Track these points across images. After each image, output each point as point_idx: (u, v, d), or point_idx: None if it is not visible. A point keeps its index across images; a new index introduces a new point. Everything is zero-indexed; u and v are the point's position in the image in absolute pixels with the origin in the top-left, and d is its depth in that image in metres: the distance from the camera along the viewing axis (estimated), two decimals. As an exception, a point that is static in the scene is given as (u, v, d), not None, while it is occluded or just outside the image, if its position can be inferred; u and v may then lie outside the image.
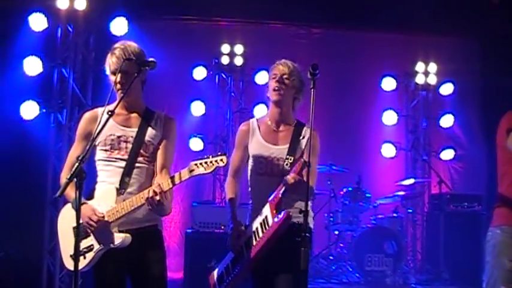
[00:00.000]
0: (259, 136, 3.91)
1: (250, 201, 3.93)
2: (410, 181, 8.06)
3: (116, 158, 3.55)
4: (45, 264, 6.88)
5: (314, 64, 3.47)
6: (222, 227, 6.72)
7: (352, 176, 7.65)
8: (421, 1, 7.94)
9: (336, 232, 7.76)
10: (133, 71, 3.42)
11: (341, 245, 7.64)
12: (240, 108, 8.69)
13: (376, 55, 8.68)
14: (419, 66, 8.77)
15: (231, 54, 8.49)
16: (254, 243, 3.62)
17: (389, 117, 8.57)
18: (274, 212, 3.55)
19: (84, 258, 3.46)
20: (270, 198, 3.61)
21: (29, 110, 6.92)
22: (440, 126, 8.68)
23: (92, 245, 3.47)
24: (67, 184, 2.97)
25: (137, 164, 3.55)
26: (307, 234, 3.28)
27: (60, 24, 7.25)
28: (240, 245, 3.70)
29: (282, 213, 3.50)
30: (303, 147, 3.83)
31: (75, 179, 2.96)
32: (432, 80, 8.80)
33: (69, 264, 3.50)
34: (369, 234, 7.32)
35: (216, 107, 8.59)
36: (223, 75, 8.70)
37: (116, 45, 3.60)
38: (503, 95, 7.08)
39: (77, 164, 2.96)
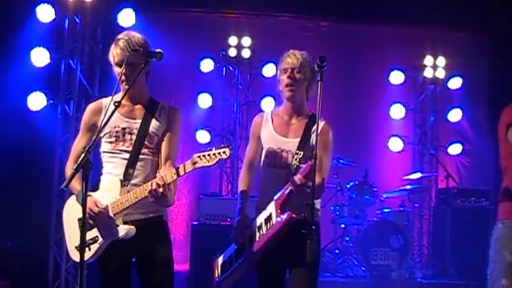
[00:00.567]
0: (271, 127, 3.91)
1: (258, 193, 3.91)
2: (417, 175, 8.02)
3: (120, 150, 3.55)
4: (51, 255, 6.90)
5: (321, 56, 3.45)
6: (228, 220, 6.72)
7: (359, 169, 7.63)
8: (430, -6, 7.90)
9: (342, 226, 7.75)
10: (139, 62, 3.40)
11: (347, 238, 7.62)
12: (247, 101, 8.67)
13: (384, 48, 8.63)
14: (428, 60, 8.70)
15: (239, 47, 8.46)
16: (257, 238, 3.64)
17: (397, 111, 8.53)
18: (279, 211, 3.54)
19: (89, 249, 3.47)
20: (276, 197, 3.58)
21: (36, 101, 6.92)
22: (448, 121, 8.63)
23: (97, 236, 3.48)
24: (73, 175, 2.97)
25: (141, 156, 3.55)
26: (313, 227, 3.24)
27: (68, 15, 7.24)
28: (243, 237, 3.72)
29: (286, 215, 3.48)
30: (314, 142, 3.72)
31: (81, 170, 2.96)
32: (440, 74, 8.73)
33: (75, 255, 3.51)
34: (375, 228, 7.30)
35: (223, 99, 8.58)
36: (231, 68, 8.67)
37: (120, 36, 3.58)
38: (512, 90, 7.04)
39: (83, 154, 2.96)
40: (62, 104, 7.18)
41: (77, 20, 7.31)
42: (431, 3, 7.92)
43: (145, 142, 3.56)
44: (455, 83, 8.57)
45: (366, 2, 8.21)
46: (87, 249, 3.45)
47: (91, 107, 3.70)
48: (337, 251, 7.71)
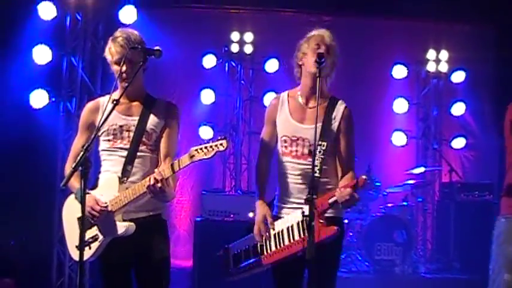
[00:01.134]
0: (287, 111, 3.66)
1: (277, 187, 3.70)
2: (421, 170, 8.00)
3: (118, 148, 3.55)
4: (55, 253, 6.94)
5: (320, 53, 3.44)
6: (232, 216, 6.72)
7: (362, 164, 7.56)
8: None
9: (346, 221, 7.70)
10: (137, 60, 3.40)
11: (350, 233, 7.61)
12: (249, 97, 8.65)
13: (387, 42, 8.60)
14: (431, 54, 8.66)
15: (241, 42, 8.44)
16: (287, 242, 3.46)
17: (400, 105, 8.49)
18: (321, 221, 3.34)
19: (90, 248, 3.48)
20: (319, 206, 3.33)
21: (38, 98, 6.94)
22: (452, 115, 8.59)
23: (97, 235, 3.48)
24: (72, 173, 2.98)
25: (139, 153, 3.54)
26: (312, 223, 3.15)
27: (69, 12, 7.25)
28: (267, 234, 3.54)
29: (335, 229, 3.33)
30: (335, 130, 3.60)
31: (79, 168, 2.96)
32: (443, 67, 8.69)
33: (75, 254, 3.51)
34: (379, 223, 7.29)
35: (225, 95, 8.57)
36: (233, 63, 8.65)
37: (117, 33, 3.56)
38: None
39: (81, 153, 2.96)
40: (64, 101, 7.19)
41: (79, 17, 7.31)
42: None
43: (143, 139, 3.55)
44: (458, 76, 8.53)
45: (368, -5, 8.18)
46: (87, 248, 3.45)
47: (89, 106, 3.71)
48: (340, 246, 7.70)
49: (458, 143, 8.50)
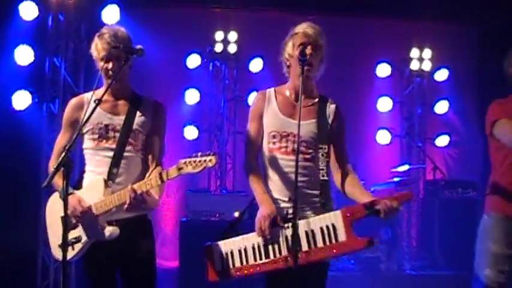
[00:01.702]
0: (275, 106, 3.52)
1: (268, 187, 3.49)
2: (405, 167, 8.05)
3: (104, 148, 3.52)
4: (39, 254, 6.88)
5: (302, 50, 3.39)
6: (217, 215, 6.71)
7: (347, 162, 7.62)
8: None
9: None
10: (122, 58, 3.39)
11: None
12: (234, 96, 8.63)
13: (371, 41, 8.62)
14: (414, 52, 8.72)
15: (225, 42, 8.41)
16: (306, 247, 3.22)
17: (384, 104, 8.54)
18: (350, 229, 3.19)
19: (73, 249, 3.46)
20: (348, 212, 3.22)
21: (21, 100, 6.87)
22: (435, 113, 8.67)
23: (80, 236, 3.45)
24: (54, 174, 2.95)
25: (125, 154, 3.51)
26: (296, 222, 3.07)
27: (51, 12, 7.19)
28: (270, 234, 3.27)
29: (367, 240, 3.19)
30: (331, 130, 3.50)
31: (62, 168, 2.94)
32: (427, 66, 8.75)
33: (58, 254, 3.50)
34: (363, 220, 7.29)
35: (210, 95, 8.55)
36: (217, 63, 8.63)
37: (104, 30, 3.53)
38: (500, 81, 7.04)
39: (63, 153, 2.94)
40: (47, 102, 7.15)
41: (61, 17, 7.26)
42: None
43: (130, 139, 3.52)
44: (441, 75, 8.59)
45: (352, -6, 8.21)
46: (70, 248, 3.43)
47: (72, 102, 3.67)
48: (326, 245, 7.71)
49: (442, 141, 8.57)
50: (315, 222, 3.25)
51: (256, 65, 8.17)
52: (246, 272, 3.33)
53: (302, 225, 3.23)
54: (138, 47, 3.38)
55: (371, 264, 7.17)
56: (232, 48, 8.41)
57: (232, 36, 8.39)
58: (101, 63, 3.48)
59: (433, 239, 7.78)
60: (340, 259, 7.33)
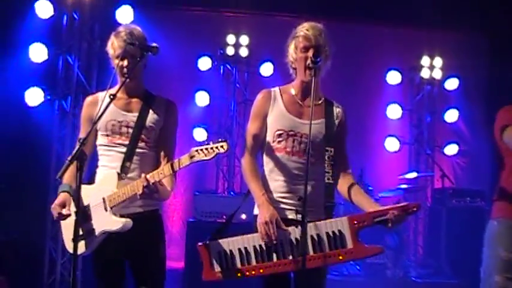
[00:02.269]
0: (281, 105, 3.47)
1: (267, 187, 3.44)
2: (413, 175, 8.05)
3: (117, 144, 3.56)
4: (47, 250, 6.93)
5: (315, 52, 3.37)
6: (224, 217, 6.73)
7: (355, 168, 7.53)
8: (428, -5, 7.92)
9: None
10: (137, 55, 3.43)
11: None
12: (244, 100, 8.68)
13: (382, 48, 8.65)
14: (425, 60, 8.72)
15: (236, 45, 8.47)
16: (312, 252, 3.19)
17: (394, 111, 8.54)
18: (356, 237, 3.18)
19: (85, 242, 3.47)
20: (355, 220, 3.20)
21: (34, 96, 6.95)
22: (445, 121, 8.65)
23: (93, 229, 3.48)
24: (68, 165, 2.99)
25: (138, 150, 3.55)
26: (305, 221, 3.07)
27: (66, 11, 7.27)
28: (276, 237, 3.22)
29: (374, 248, 3.21)
30: (337, 133, 3.48)
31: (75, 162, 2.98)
32: (437, 74, 8.75)
33: (71, 247, 3.51)
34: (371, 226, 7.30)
35: (220, 97, 8.60)
36: (228, 66, 8.69)
37: (121, 28, 3.58)
38: (510, 91, 7.05)
39: (77, 146, 2.98)
40: (59, 99, 7.20)
41: (76, 16, 7.33)
42: (429, 4, 7.94)
43: (142, 136, 3.56)
44: (452, 83, 8.59)
45: (363, 2, 8.22)
46: (82, 242, 3.46)
47: (88, 100, 3.72)
48: (332, 250, 7.71)
49: (451, 149, 8.56)
50: (321, 227, 3.22)
51: (267, 69, 8.22)
52: (247, 273, 3.29)
53: (308, 229, 3.18)
54: (153, 44, 3.43)
55: (377, 271, 7.16)
56: (244, 52, 8.47)
57: (244, 40, 8.45)
58: (116, 61, 3.52)
59: (439, 247, 7.76)
60: (346, 264, 7.35)
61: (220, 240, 3.38)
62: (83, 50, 7.38)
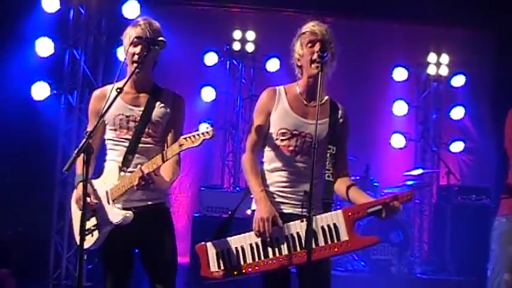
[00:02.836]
0: (286, 104, 3.47)
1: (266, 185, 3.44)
2: (419, 171, 8.03)
3: (124, 138, 3.55)
4: (52, 244, 6.95)
5: (322, 47, 3.39)
6: (230, 212, 6.72)
7: (361, 164, 7.62)
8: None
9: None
10: (150, 45, 3.42)
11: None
12: (250, 95, 8.67)
13: (388, 45, 8.65)
14: (431, 57, 8.70)
15: (243, 41, 8.47)
16: (286, 251, 3.23)
17: (400, 108, 8.52)
18: (351, 228, 3.18)
19: (92, 236, 3.48)
20: (349, 212, 3.22)
21: (40, 90, 6.97)
22: (451, 118, 8.62)
23: (99, 223, 3.49)
24: (74, 158, 2.98)
25: (144, 144, 3.54)
26: (311, 215, 3.07)
27: (73, 6, 7.28)
28: (271, 234, 3.24)
29: (369, 239, 3.25)
30: (339, 133, 3.51)
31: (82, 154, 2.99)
32: (444, 71, 8.72)
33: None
34: (376, 223, 7.28)
35: (226, 93, 8.60)
36: (235, 62, 8.69)
37: (139, 18, 3.59)
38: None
39: (84, 139, 2.98)
40: (65, 94, 7.22)
41: (82, 10, 7.34)
42: (436, 1, 7.91)
43: (148, 130, 3.55)
44: (458, 80, 8.56)
45: (371, -1, 8.22)
46: (90, 235, 3.47)
47: (95, 93, 3.70)
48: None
49: (457, 146, 8.54)
50: (316, 222, 3.23)
51: (273, 64, 8.21)
52: (244, 271, 3.30)
53: (303, 224, 3.20)
54: (160, 38, 3.43)
55: (382, 267, 7.16)
56: (250, 48, 8.47)
57: (250, 35, 8.44)
58: (129, 48, 3.51)
59: (444, 243, 7.75)
60: (350, 260, 7.35)
61: (216, 241, 3.42)
62: (89, 45, 7.39)
